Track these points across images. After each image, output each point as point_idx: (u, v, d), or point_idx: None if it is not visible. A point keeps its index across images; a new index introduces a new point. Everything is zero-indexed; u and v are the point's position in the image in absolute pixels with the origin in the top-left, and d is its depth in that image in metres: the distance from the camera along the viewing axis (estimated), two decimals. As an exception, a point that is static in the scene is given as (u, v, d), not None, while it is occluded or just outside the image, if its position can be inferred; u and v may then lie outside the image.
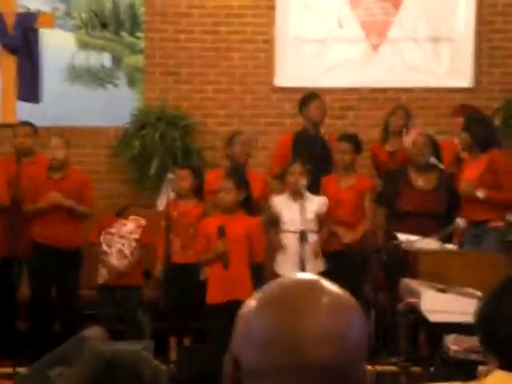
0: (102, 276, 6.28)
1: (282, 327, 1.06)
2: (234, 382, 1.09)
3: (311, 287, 1.10)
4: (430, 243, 5.33)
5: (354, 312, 1.10)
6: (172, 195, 6.04)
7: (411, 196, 6.12)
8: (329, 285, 1.11)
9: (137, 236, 6.29)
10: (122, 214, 6.38)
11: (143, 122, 7.38)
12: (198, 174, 6.37)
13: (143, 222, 6.35)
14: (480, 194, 5.73)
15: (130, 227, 6.31)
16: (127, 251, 6.27)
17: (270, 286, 1.11)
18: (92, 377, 1.65)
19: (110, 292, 6.23)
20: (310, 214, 6.05)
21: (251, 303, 1.11)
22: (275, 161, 6.76)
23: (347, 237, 6.27)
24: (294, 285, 1.11)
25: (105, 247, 6.28)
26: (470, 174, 5.85)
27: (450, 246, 5.33)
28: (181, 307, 5.98)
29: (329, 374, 1.05)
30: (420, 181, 6.23)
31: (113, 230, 6.29)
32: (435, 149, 6.28)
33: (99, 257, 6.29)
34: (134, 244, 6.28)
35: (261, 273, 5.85)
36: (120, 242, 6.28)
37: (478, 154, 5.86)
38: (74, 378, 1.69)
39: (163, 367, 1.73)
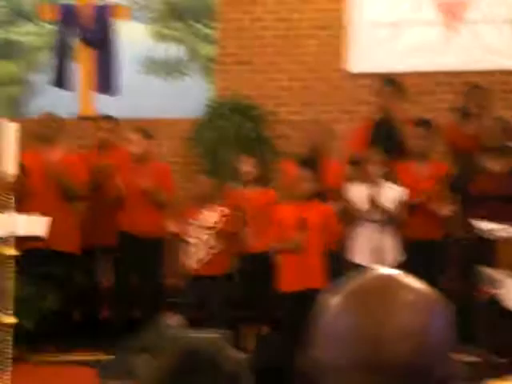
0: (189, 267, 6.33)
1: (363, 323, 1.05)
2: (315, 379, 1.09)
3: (392, 283, 1.08)
4: (510, 231, 5.20)
5: (437, 308, 1.08)
6: (237, 185, 6.08)
7: (485, 180, 5.97)
8: (411, 280, 1.09)
9: (221, 226, 6.30)
10: (203, 202, 6.40)
11: (217, 113, 7.42)
12: (261, 161, 6.40)
13: (227, 211, 6.35)
14: None
15: (214, 218, 6.32)
16: (211, 241, 6.29)
17: (351, 282, 1.11)
18: (172, 367, 1.66)
19: (196, 282, 6.26)
20: (388, 203, 5.97)
21: (331, 299, 1.10)
22: (352, 148, 6.69)
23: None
24: (376, 280, 1.10)
25: (190, 238, 6.31)
26: None
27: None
28: (256, 296, 6.00)
29: (411, 372, 1.03)
30: (494, 164, 6.08)
31: (197, 222, 6.31)
32: (509, 133, 6.11)
33: (184, 248, 6.35)
34: (216, 233, 6.30)
35: (336, 264, 5.81)
36: (206, 232, 6.29)
37: None
38: (155, 367, 1.71)
39: (243, 358, 1.73)
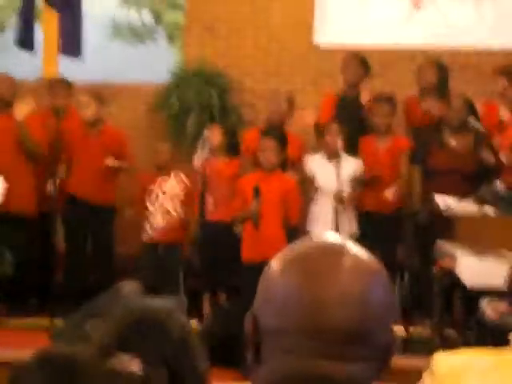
0: (147, 233, 6.33)
1: (303, 288, 1.05)
2: (253, 342, 1.09)
3: (335, 249, 1.08)
4: (467, 205, 5.28)
5: (378, 276, 1.08)
6: (206, 153, 6.06)
7: (442, 155, 6.05)
8: (353, 247, 1.09)
9: (179, 192, 6.32)
10: (163, 169, 6.40)
11: (181, 79, 7.37)
12: (230, 131, 6.38)
13: (184, 177, 6.37)
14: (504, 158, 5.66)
15: (172, 183, 6.34)
16: (170, 208, 6.30)
17: (294, 247, 1.11)
18: (121, 332, 1.67)
19: (154, 249, 6.28)
20: (346, 174, 6.02)
21: (274, 264, 1.10)
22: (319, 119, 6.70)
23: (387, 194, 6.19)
24: (318, 246, 1.10)
25: (148, 204, 6.31)
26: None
27: (487, 209, 5.27)
28: (215, 264, 6.03)
29: (350, 337, 1.04)
30: (453, 141, 6.16)
31: (155, 187, 6.31)
32: (472, 110, 6.19)
33: (143, 214, 6.34)
34: (176, 200, 6.31)
35: (295, 235, 5.84)
36: (162, 197, 6.30)
37: None
38: (104, 333, 1.72)
39: (193, 326, 1.75)
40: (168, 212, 6.28)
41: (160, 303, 1.87)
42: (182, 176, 6.37)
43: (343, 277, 1.05)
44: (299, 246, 1.11)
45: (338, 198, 5.92)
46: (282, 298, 1.06)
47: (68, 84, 6.61)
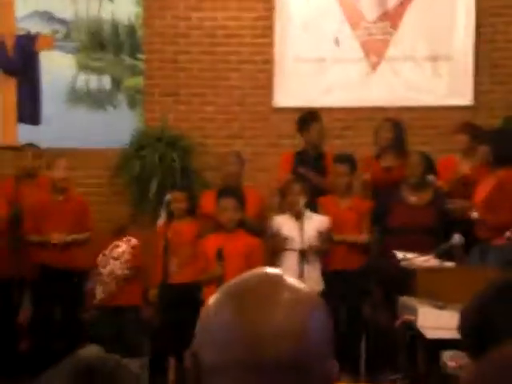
0: (98, 296, 6.31)
1: (240, 322, 1.03)
2: (194, 379, 1.07)
3: (272, 282, 1.07)
4: (428, 260, 5.32)
5: (315, 308, 1.07)
6: (167, 217, 6.08)
7: (402, 212, 6.11)
8: (291, 280, 1.08)
9: (128, 257, 6.31)
10: (118, 235, 6.41)
11: (143, 143, 7.40)
12: (191, 195, 6.45)
13: (133, 242, 6.36)
14: (475, 215, 5.75)
15: (122, 248, 6.34)
16: (119, 272, 6.29)
17: (232, 282, 1.09)
18: (71, 381, 1.65)
19: (106, 312, 6.24)
20: (311, 232, 6.04)
21: (212, 299, 1.09)
22: (278, 176, 6.75)
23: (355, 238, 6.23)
24: (255, 280, 1.08)
25: (100, 268, 6.32)
26: (482, 191, 5.80)
27: (447, 263, 5.31)
28: (179, 327, 5.96)
29: (288, 371, 1.03)
30: (413, 198, 6.24)
31: (106, 252, 6.33)
32: (430, 166, 6.29)
33: (95, 277, 6.33)
34: (125, 265, 6.30)
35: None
36: (112, 263, 6.30)
37: (495, 169, 5.78)
38: (54, 381, 1.70)
39: (140, 374, 1.73)
40: (116, 277, 6.26)
41: (105, 354, 1.85)
42: (133, 242, 6.35)
43: (279, 309, 1.04)
44: (236, 279, 1.09)
45: (303, 254, 5.93)
46: (218, 333, 1.04)
47: (39, 149, 6.64)
